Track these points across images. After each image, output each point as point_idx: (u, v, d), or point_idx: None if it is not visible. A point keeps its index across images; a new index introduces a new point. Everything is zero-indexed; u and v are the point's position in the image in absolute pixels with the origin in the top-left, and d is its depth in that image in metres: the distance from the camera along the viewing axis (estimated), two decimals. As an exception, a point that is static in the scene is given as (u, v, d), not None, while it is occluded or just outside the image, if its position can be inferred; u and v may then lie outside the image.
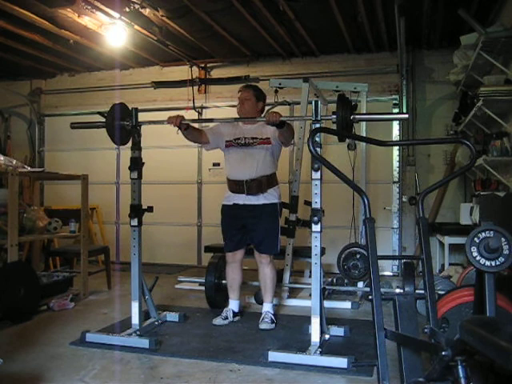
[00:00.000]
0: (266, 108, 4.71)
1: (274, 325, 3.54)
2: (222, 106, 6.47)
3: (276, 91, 4.89)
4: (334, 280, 4.71)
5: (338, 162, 2.15)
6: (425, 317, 1.95)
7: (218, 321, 3.60)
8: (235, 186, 3.56)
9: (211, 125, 3.92)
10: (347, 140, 4.05)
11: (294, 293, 4.57)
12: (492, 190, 4.46)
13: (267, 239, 3.56)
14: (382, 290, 1.89)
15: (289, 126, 3.43)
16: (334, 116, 2.83)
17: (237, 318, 3.70)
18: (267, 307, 3.64)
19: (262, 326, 3.50)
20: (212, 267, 4.11)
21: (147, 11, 4.84)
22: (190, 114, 6.14)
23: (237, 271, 3.71)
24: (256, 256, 3.64)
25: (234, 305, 3.74)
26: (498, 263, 1.91)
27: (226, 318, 3.63)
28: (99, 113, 3.44)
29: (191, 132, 3.51)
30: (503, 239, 1.90)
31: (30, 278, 3.82)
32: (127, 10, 4.73)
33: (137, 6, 4.70)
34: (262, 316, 3.57)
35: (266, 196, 3.55)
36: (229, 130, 3.66)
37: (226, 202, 3.66)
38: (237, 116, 3.63)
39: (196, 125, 3.85)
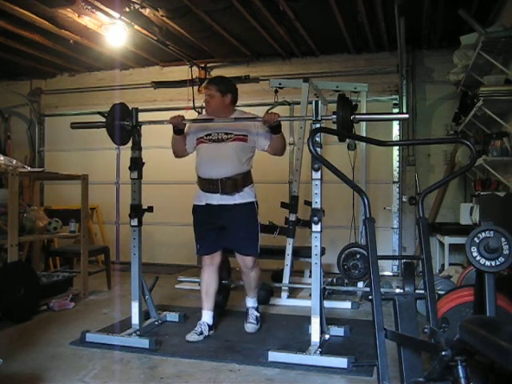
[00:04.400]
0: (266, 108, 4.74)
1: (258, 325, 3.46)
2: (221, 106, 6.46)
3: (276, 91, 4.90)
4: (334, 280, 4.71)
5: (338, 162, 2.14)
6: (425, 317, 1.95)
7: (192, 337, 3.21)
8: (208, 185, 3.28)
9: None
10: (347, 140, 4.05)
11: (293, 293, 4.56)
12: (492, 190, 4.46)
13: (247, 242, 3.32)
14: (382, 290, 1.89)
15: (283, 138, 3.29)
16: (334, 116, 2.83)
17: (211, 332, 3.34)
18: (251, 302, 3.52)
19: (248, 328, 3.41)
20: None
21: (147, 11, 4.84)
22: (190, 114, 6.13)
23: (214, 275, 3.42)
24: (238, 258, 3.39)
25: (208, 317, 3.36)
26: (498, 263, 1.91)
27: (201, 333, 3.24)
28: (99, 113, 3.44)
29: (182, 140, 3.39)
30: (503, 239, 1.90)
31: (30, 277, 3.82)
32: (127, 10, 4.73)
33: (137, 6, 4.70)
34: (247, 315, 3.47)
35: (242, 195, 3.29)
36: (200, 125, 3.43)
37: (197, 202, 3.37)
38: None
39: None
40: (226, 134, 3.29)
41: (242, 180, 3.28)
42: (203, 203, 3.33)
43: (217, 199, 3.28)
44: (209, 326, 3.34)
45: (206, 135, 3.33)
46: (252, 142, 3.33)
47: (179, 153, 3.49)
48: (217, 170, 3.24)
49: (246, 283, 3.53)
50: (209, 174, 3.27)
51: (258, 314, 3.54)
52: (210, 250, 3.41)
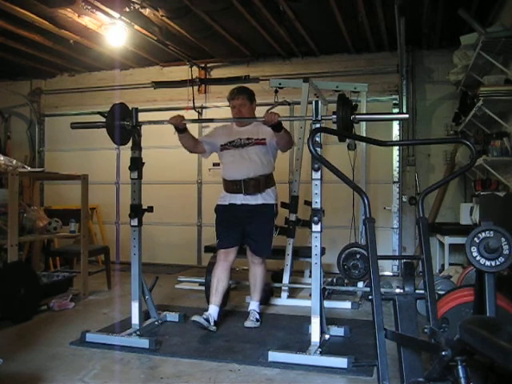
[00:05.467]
0: (266, 108, 4.74)
1: (258, 323, 3.57)
2: (221, 106, 6.44)
3: (276, 91, 4.89)
4: (334, 280, 4.71)
5: (338, 162, 2.15)
6: (425, 317, 1.95)
7: (198, 318, 3.29)
8: (232, 186, 3.53)
9: (207, 130, 3.88)
10: (347, 140, 4.05)
11: (294, 293, 4.57)
12: (492, 190, 4.46)
13: (261, 241, 3.57)
14: (382, 289, 1.89)
15: (287, 133, 3.41)
16: (334, 116, 2.83)
17: (214, 328, 3.36)
18: (254, 305, 3.67)
19: (247, 324, 3.53)
20: (212, 267, 4.09)
21: (147, 11, 4.84)
22: (190, 114, 6.14)
23: (226, 273, 3.55)
24: (248, 255, 3.65)
25: (215, 311, 3.43)
26: (497, 263, 1.92)
27: (207, 320, 3.31)
28: (99, 113, 3.44)
29: (188, 137, 3.51)
30: (503, 239, 1.91)
31: (30, 277, 3.82)
32: (127, 9, 4.73)
33: (137, 6, 4.70)
34: (248, 315, 3.60)
35: (264, 196, 3.53)
36: (223, 133, 3.66)
37: (221, 202, 3.61)
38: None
39: (196, 129, 3.85)
40: (248, 139, 3.54)
41: (265, 181, 3.52)
42: (227, 203, 3.56)
43: (240, 199, 3.51)
44: (214, 320, 3.40)
45: (230, 142, 3.57)
46: (271, 145, 3.53)
47: (190, 149, 3.64)
48: (240, 171, 3.49)
49: (251, 281, 3.67)
50: (233, 176, 3.52)
51: (258, 316, 3.62)
52: (229, 244, 3.55)
